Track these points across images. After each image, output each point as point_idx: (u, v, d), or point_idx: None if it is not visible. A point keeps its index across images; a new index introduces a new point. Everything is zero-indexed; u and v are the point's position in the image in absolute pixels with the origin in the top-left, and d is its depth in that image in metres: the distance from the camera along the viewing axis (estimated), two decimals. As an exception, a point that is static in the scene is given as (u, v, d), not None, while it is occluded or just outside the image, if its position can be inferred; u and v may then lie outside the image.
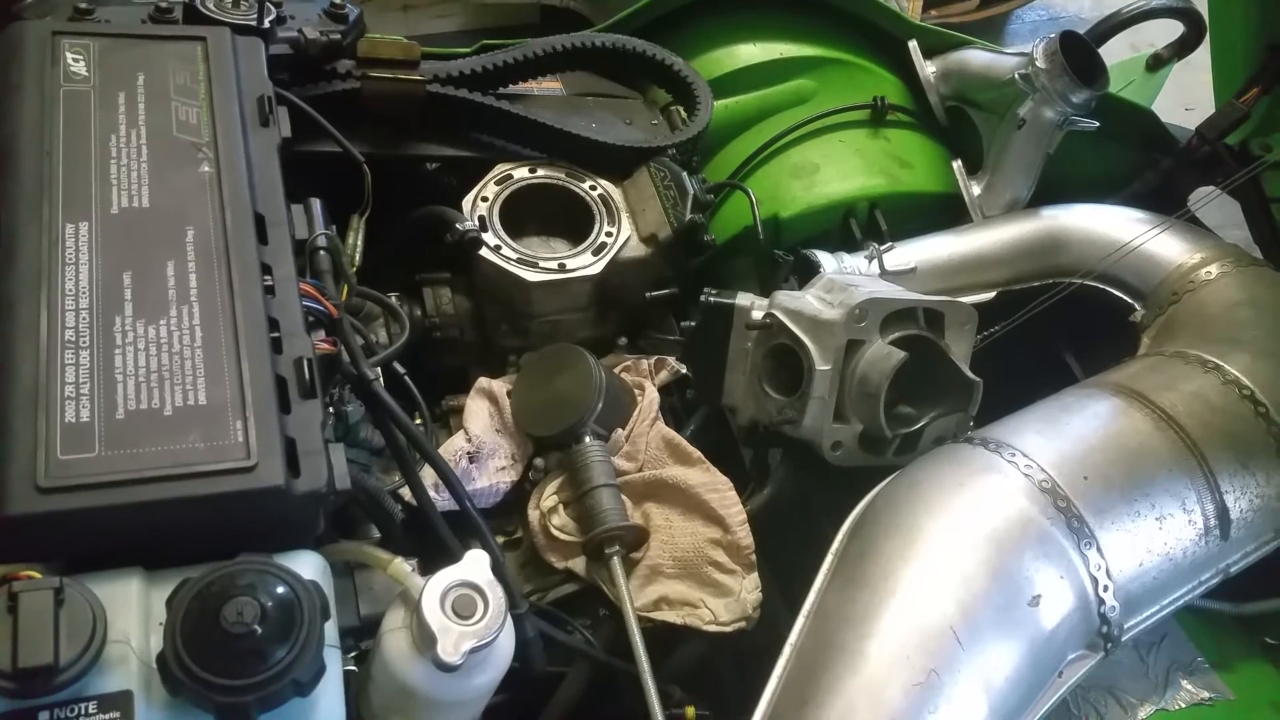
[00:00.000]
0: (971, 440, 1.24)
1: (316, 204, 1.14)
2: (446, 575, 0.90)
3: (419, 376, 1.45)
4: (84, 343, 0.86)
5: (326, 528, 1.08)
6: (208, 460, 0.83)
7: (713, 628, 1.26)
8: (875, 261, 1.54)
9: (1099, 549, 1.13)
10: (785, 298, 1.35)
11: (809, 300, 1.35)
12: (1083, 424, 1.25)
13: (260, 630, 0.75)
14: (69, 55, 0.99)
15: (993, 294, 1.57)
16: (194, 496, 0.82)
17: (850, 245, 1.64)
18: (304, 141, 1.28)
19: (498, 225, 1.42)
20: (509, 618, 0.93)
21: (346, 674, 0.97)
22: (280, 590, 0.78)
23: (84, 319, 0.87)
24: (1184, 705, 1.23)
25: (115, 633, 0.78)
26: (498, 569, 1.12)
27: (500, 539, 1.38)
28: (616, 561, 1.26)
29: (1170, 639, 1.28)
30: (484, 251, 1.38)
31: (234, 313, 0.92)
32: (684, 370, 1.48)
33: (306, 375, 0.91)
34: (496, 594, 0.90)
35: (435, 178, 1.52)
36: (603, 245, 1.43)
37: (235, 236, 0.96)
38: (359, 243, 1.28)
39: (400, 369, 1.27)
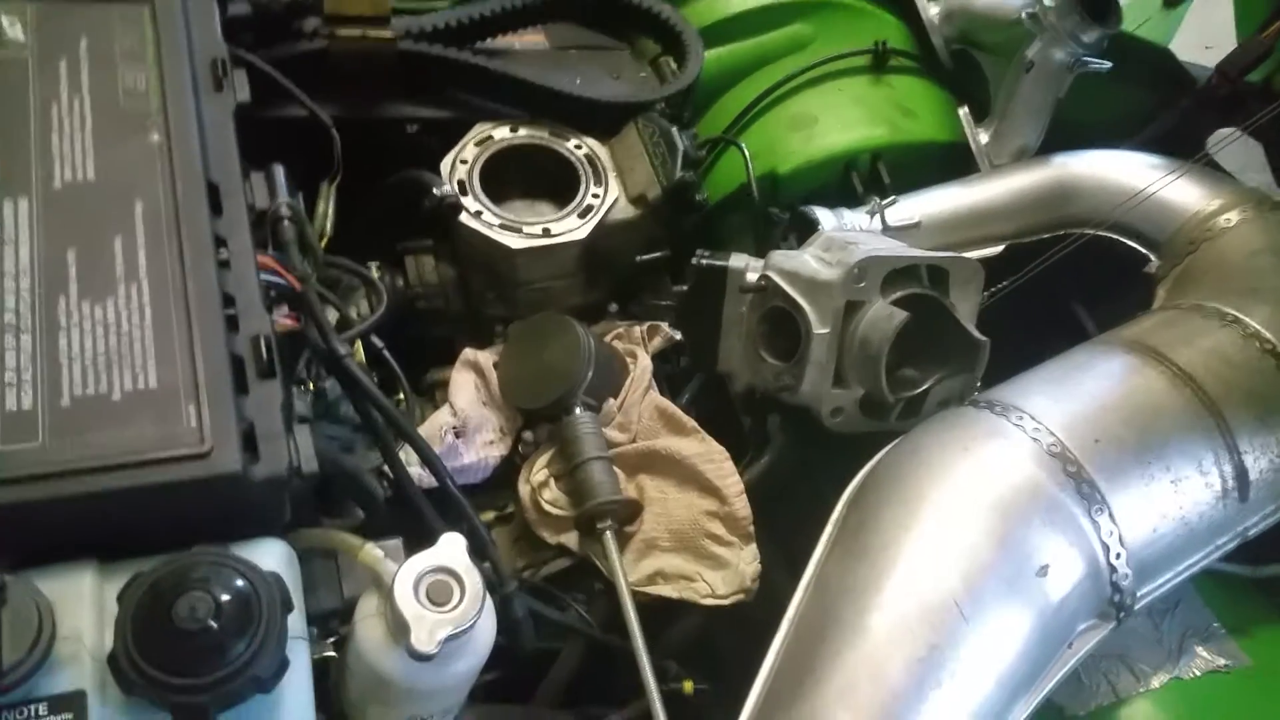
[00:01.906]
0: (977, 403, 1.18)
1: (279, 170, 1.08)
2: (420, 561, 0.85)
3: (403, 349, 1.41)
4: (25, 326, 0.81)
5: (308, 510, 1.04)
6: (159, 447, 0.79)
7: (710, 601, 1.22)
8: (877, 217, 1.47)
9: (1111, 515, 1.08)
10: (781, 258, 1.29)
11: (806, 260, 1.29)
12: (1094, 384, 1.19)
13: (215, 626, 0.71)
14: (4, 20, 0.94)
15: (1001, 247, 1.50)
16: (146, 485, 0.77)
17: (851, 200, 1.57)
18: (270, 106, 1.23)
19: (478, 189, 1.37)
20: (488, 601, 0.88)
21: (326, 660, 0.93)
22: (237, 583, 0.74)
23: (25, 301, 0.82)
24: (1199, 673, 1.18)
25: (66, 630, 0.74)
26: (484, 548, 1.09)
27: (491, 514, 1.34)
28: (609, 536, 1.21)
29: (1185, 604, 1.23)
30: (464, 218, 1.32)
31: (186, 290, 0.87)
32: (678, 336, 1.43)
33: (264, 354, 0.86)
34: (473, 579, 0.85)
35: (413, 140, 1.45)
36: (589, 207, 1.37)
37: (187, 208, 0.91)
38: (329, 211, 1.22)
39: (379, 343, 1.22)
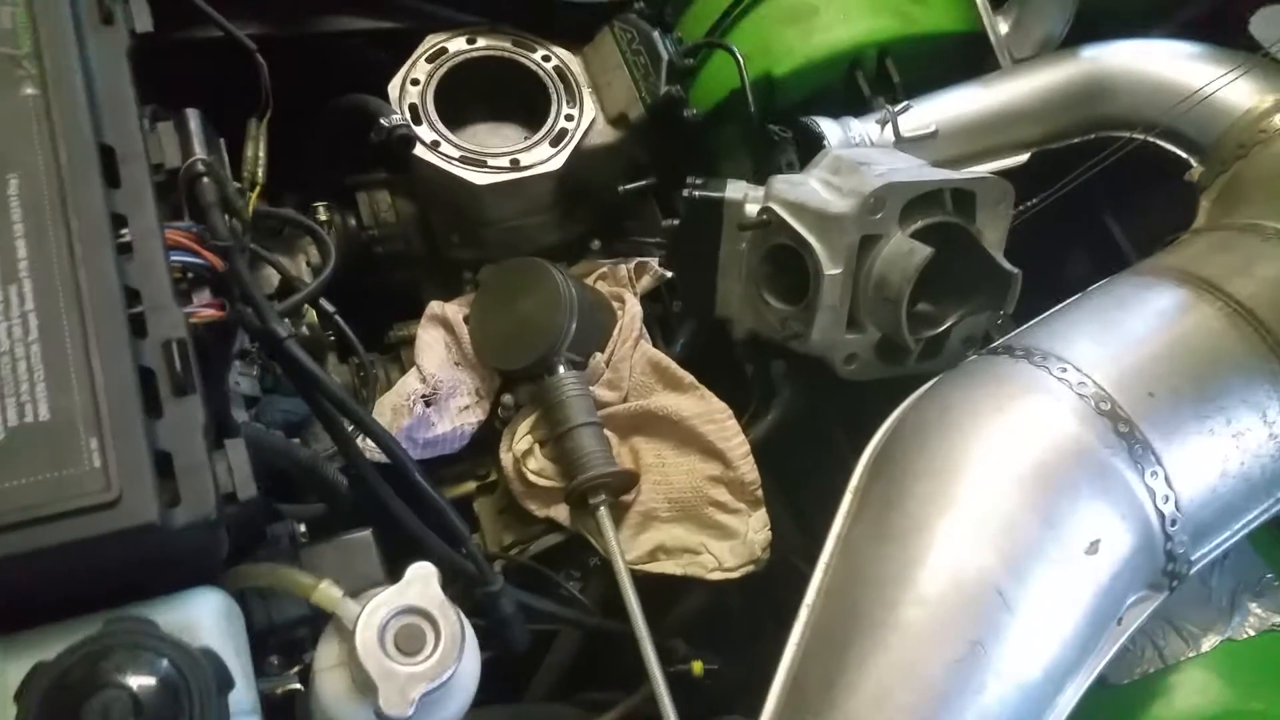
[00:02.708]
0: (1012, 350, 1.05)
1: (192, 118, 0.91)
2: (384, 602, 0.72)
3: (362, 300, 1.25)
4: (-128, 351, 0.66)
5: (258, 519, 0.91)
6: (56, 498, 0.64)
7: (717, 575, 1.11)
8: (888, 127, 1.30)
9: (1166, 478, 0.96)
10: (783, 186, 1.13)
11: (812, 187, 1.13)
12: (1143, 324, 1.05)
13: (135, 728, 0.58)
14: None
15: (1025, 156, 1.34)
16: (43, 548, 0.64)
17: (858, 104, 1.40)
18: (180, 28, 1.04)
19: (433, 115, 1.19)
20: (469, 639, 0.76)
21: (289, 695, 0.82)
22: (160, 668, 0.61)
23: None
24: (1253, 633, 1.09)
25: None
26: (462, 541, 0.96)
27: (472, 484, 1.22)
28: (604, 512, 1.09)
29: (1236, 557, 1.12)
30: (419, 150, 1.15)
31: (79, 289, 0.71)
32: (669, 274, 1.28)
33: (178, 363, 0.71)
34: (449, 618, 0.73)
35: (358, 54, 1.26)
36: (563, 132, 1.19)
37: (74, 182, 0.74)
38: (261, 154, 1.05)
39: (330, 308, 1.07)
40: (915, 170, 1.14)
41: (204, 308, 0.79)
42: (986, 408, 1.00)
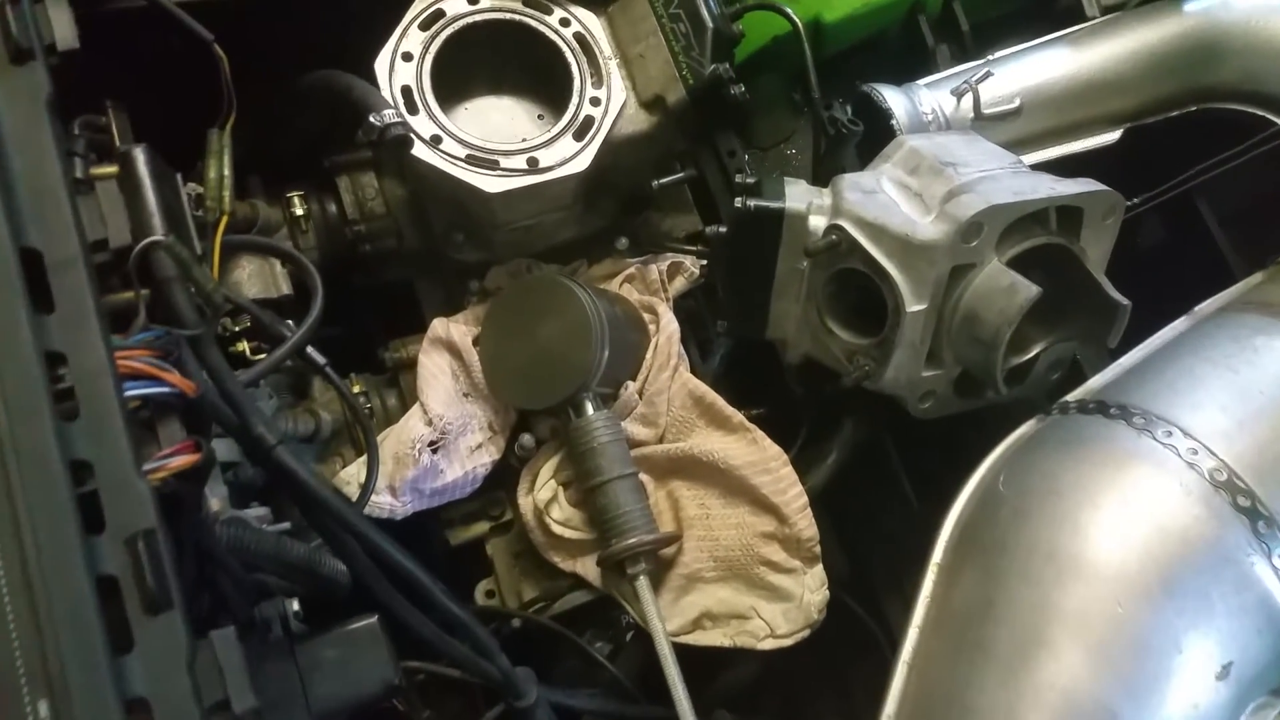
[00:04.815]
0: (1107, 410, 0.90)
1: (140, 159, 0.71)
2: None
3: (350, 305, 1.07)
4: None
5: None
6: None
7: (770, 644, 0.99)
8: (966, 99, 1.10)
9: (1300, 559, 0.84)
10: (856, 198, 0.95)
11: (889, 198, 0.96)
12: (1261, 376, 0.91)
13: None
14: None
15: (1118, 133, 1.16)
16: None
17: (920, 58, 1.20)
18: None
19: (431, 101, 0.97)
20: None
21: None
22: None
23: None
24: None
25: None
26: (490, 654, 0.83)
27: (485, 526, 1.07)
28: (644, 582, 0.95)
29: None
30: (417, 150, 0.94)
31: (6, 477, 0.53)
32: (702, 268, 1.10)
33: (148, 570, 0.54)
34: None
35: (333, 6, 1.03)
36: (588, 122, 0.98)
37: (-12, 315, 0.56)
38: (226, 172, 0.84)
39: (319, 359, 0.88)
40: (1014, 179, 0.96)
41: (174, 454, 0.62)
42: (1094, 485, 0.86)
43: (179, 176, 0.79)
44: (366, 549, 0.76)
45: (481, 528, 1.06)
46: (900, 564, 1.15)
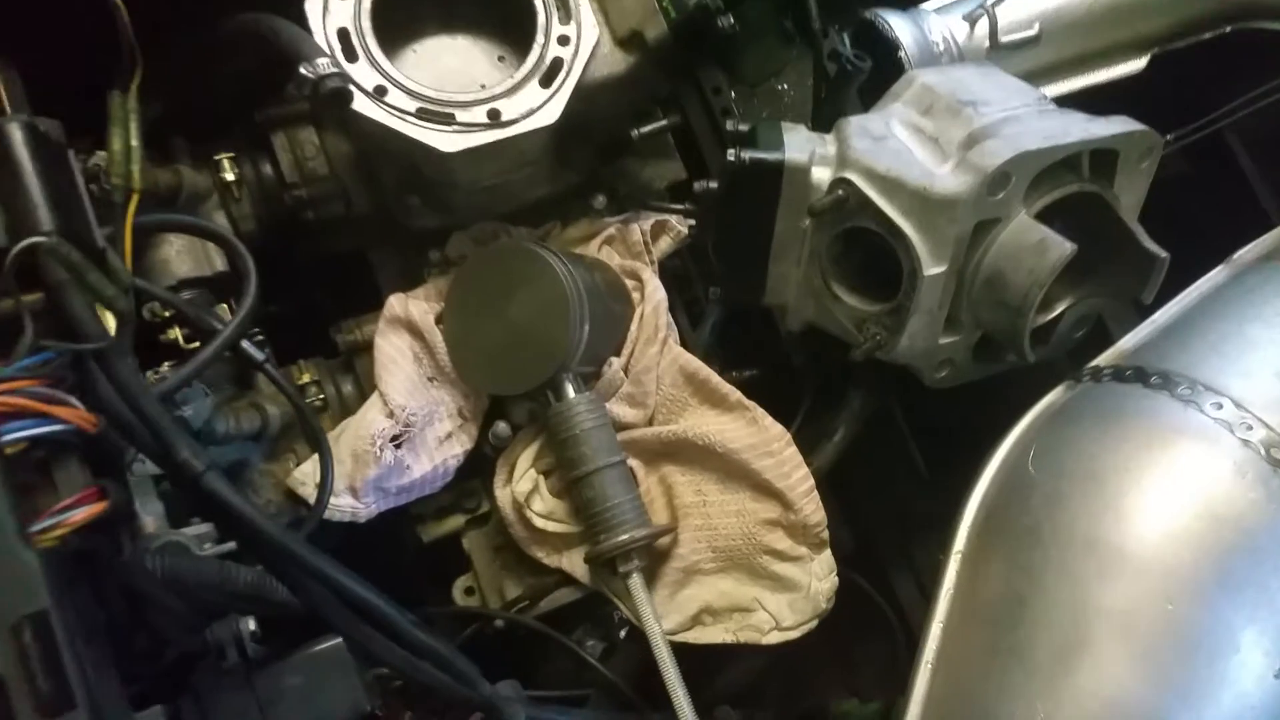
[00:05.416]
0: (1146, 378, 0.81)
1: (15, 139, 0.59)
2: None
3: (298, 278, 0.96)
4: None
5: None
6: None
7: (776, 638, 0.91)
8: (981, 25, 0.98)
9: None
10: (865, 145, 0.84)
11: (902, 144, 0.85)
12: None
13: None
14: None
15: (1145, 59, 1.04)
16: None
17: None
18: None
19: (372, 45, 0.84)
20: None
21: None
22: None
23: None
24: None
25: None
26: (469, 681, 0.74)
27: (461, 520, 0.97)
28: (637, 580, 0.86)
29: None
30: (359, 105, 0.81)
31: None
32: (689, 227, 0.99)
33: (38, 666, 0.44)
34: None
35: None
36: (556, 65, 0.86)
37: None
38: (134, 141, 0.72)
39: (256, 354, 0.77)
40: (1041, 120, 0.85)
41: (74, 506, 0.51)
42: (1136, 464, 0.77)
43: (71, 154, 0.66)
44: (321, 581, 0.66)
45: (457, 522, 0.97)
46: (909, 535, 1.08)
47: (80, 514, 0.51)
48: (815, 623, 0.92)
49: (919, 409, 1.03)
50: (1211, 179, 1.15)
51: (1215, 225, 1.01)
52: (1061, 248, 0.80)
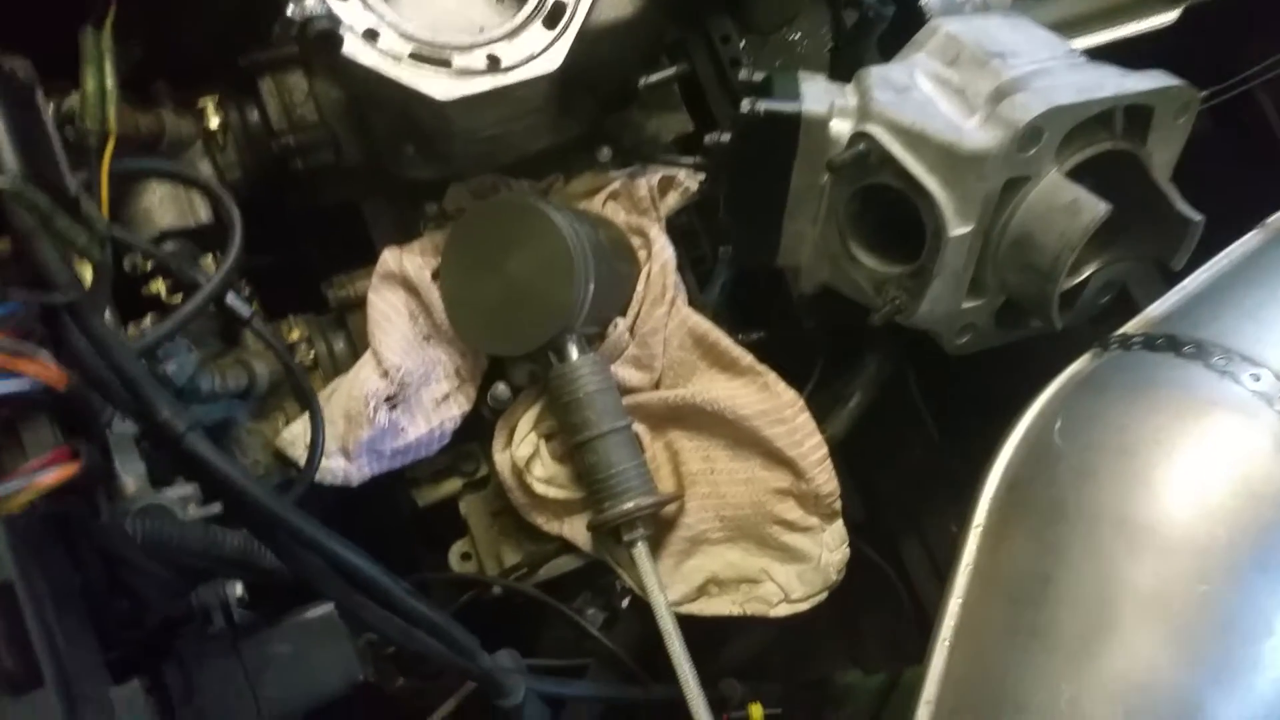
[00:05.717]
0: (1178, 347, 0.77)
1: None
2: None
3: (288, 228, 0.92)
4: None
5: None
6: None
7: (784, 610, 0.88)
8: (1003, -27, 0.94)
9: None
10: (887, 98, 0.79)
11: (926, 96, 0.80)
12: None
13: None
14: None
15: (1178, 11, 1.00)
16: None
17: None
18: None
19: (367, -18, 0.79)
20: None
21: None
22: None
23: None
24: None
25: None
26: (471, 656, 0.71)
27: (459, 483, 0.94)
28: (642, 549, 0.83)
29: None
30: (349, 49, 0.76)
31: None
32: (698, 183, 0.94)
33: (3, 639, 0.41)
34: None
35: None
36: (559, 8, 0.81)
37: None
38: (109, 83, 0.67)
39: (243, 310, 0.73)
40: (1073, 73, 0.80)
41: (44, 467, 0.47)
42: (1167, 437, 0.74)
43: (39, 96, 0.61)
44: (312, 548, 0.62)
45: (454, 485, 0.93)
46: (919, 503, 1.05)
47: (50, 476, 0.46)
48: (825, 595, 0.89)
49: (929, 370, 0.99)
50: (1239, 139, 1.11)
51: (1242, 188, 0.97)
52: (1095, 209, 0.75)
